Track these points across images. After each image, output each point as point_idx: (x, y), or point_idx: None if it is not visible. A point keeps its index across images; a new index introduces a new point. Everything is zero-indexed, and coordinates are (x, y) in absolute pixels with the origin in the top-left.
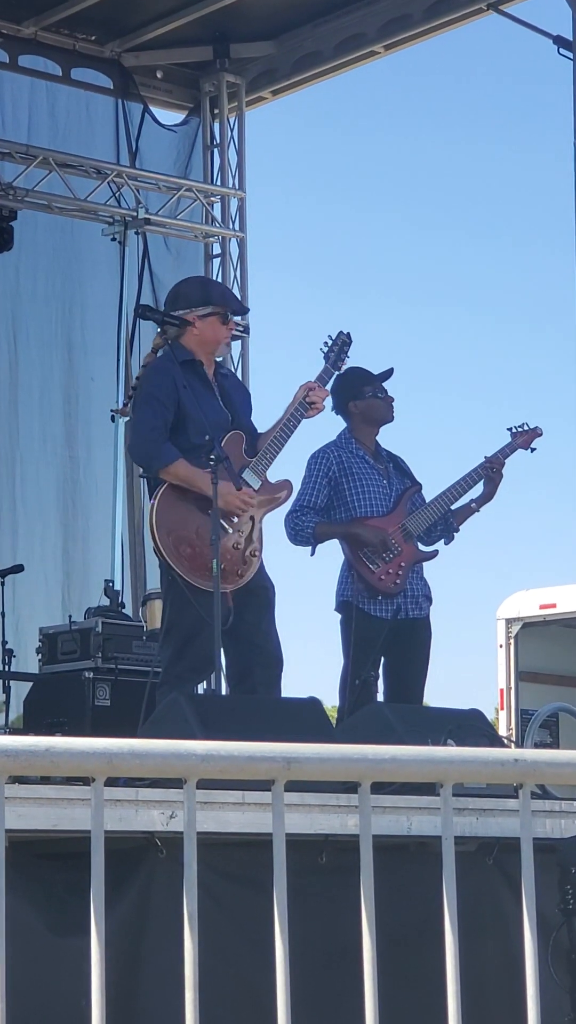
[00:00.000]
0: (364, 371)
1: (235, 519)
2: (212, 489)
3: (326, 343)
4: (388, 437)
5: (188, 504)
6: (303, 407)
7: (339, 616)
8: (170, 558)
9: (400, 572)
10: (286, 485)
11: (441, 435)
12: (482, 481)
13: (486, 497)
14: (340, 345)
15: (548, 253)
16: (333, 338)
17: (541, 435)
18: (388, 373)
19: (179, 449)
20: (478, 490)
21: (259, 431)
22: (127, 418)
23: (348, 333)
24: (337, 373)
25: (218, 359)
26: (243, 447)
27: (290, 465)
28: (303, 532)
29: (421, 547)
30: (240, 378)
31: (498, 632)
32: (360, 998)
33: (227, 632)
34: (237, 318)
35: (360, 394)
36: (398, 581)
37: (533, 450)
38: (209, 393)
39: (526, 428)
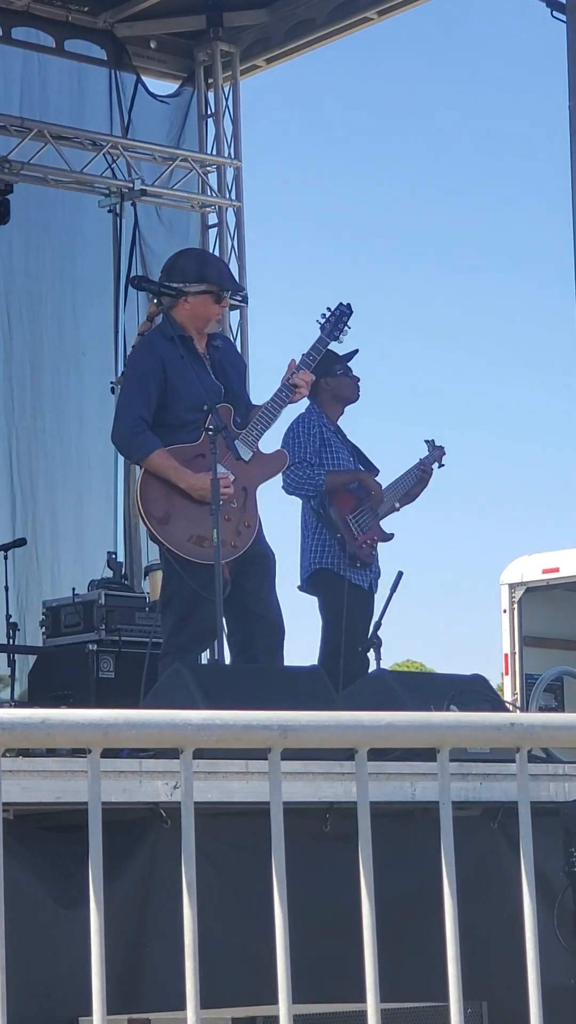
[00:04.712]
0: (331, 350)
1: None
2: (187, 483)
3: (324, 314)
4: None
5: (171, 483)
6: (288, 389)
7: (315, 586)
8: (160, 535)
9: (373, 544)
10: (281, 455)
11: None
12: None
13: (411, 497)
14: (338, 316)
15: (546, 216)
16: (332, 309)
17: (444, 453)
18: (352, 354)
19: (168, 426)
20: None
21: (253, 403)
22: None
23: (348, 304)
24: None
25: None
26: (232, 419)
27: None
28: (312, 482)
29: (382, 527)
30: (239, 347)
31: (502, 597)
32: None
33: (227, 601)
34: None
35: (331, 371)
36: (373, 552)
37: (442, 466)
38: (200, 367)
39: (436, 444)
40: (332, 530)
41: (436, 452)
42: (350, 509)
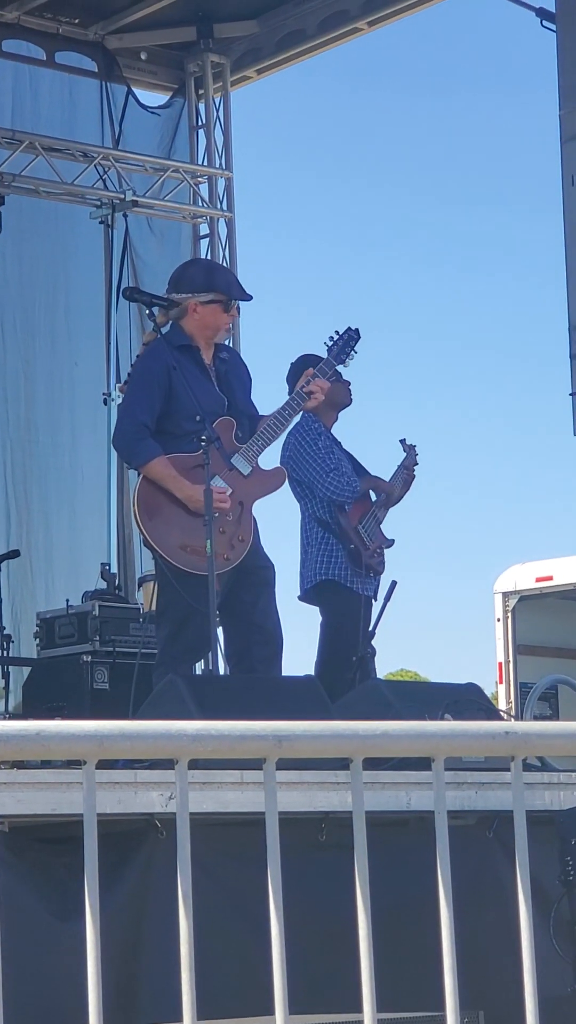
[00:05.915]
0: (317, 356)
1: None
2: (183, 492)
3: (332, 337)
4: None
5: (169, 491)
6: (301, 396)
7: (320, 597)
8: (155, 543)
9: (381, 552)
10: (280, 472)
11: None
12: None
13: (394, 500)
14: (346, 340)
15: (538, 222)
16: (340, 332)
17: (417, 452)
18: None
19: (170, 434)
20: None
21: (260, 414)
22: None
23: (357, 329)
24: (338, 365)
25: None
26: (233, 433)
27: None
28: (351, 487)
29: (383, 534)
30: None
31: (495, 606)
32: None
33: (225, 612)
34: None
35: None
36: (383, 559)
37: (416, 464)
38: (205, 378)
39: (407, 442)
40: (344, 541)
41: (412, 452)
42: (358, 519)
